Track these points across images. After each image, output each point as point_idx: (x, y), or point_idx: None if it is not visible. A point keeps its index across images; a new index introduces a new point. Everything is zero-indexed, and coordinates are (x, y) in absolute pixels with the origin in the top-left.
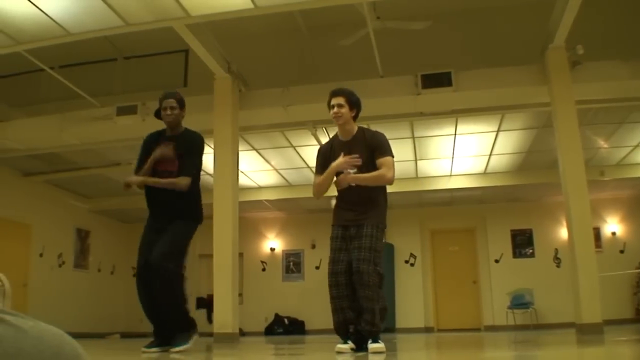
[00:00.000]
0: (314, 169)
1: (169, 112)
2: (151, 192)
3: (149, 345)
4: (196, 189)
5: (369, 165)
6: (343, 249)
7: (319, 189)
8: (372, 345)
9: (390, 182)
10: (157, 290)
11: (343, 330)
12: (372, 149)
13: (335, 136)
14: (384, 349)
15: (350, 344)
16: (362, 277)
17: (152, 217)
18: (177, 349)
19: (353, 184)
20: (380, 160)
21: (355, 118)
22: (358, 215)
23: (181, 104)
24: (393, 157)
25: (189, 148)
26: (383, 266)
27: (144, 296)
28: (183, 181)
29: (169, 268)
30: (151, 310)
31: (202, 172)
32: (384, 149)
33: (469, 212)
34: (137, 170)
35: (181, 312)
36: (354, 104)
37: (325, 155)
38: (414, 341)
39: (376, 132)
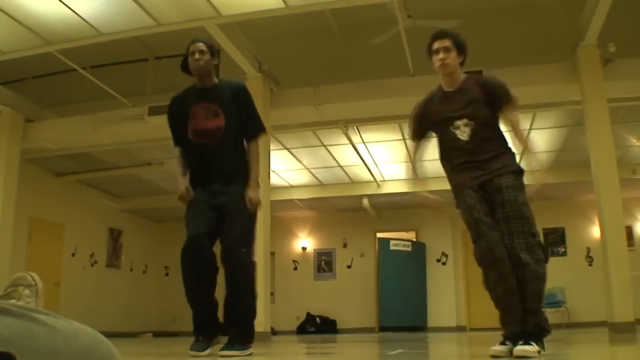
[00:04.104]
0: (344, 168)
1: (197, 56)
2: (196, 157)
3: (198, 348)
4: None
5: (487, 114)
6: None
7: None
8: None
9: (526, 137)
10: (231, 281)
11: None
12: (493, 98)
13: (436, 90)
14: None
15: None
16: None
17: (201, 187)
18: (232, 352)
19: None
20: (515, 114)
21: (462, 65)
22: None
23: (212, 51)
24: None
25: (237, 96)
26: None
27: (196, 278)
28: (257, 148)
29: (244, 255)
30: (202, 296)
31: None
32: (510, 95)
33: None
34: (174, 138)
35: (253, 308)
36: (462, 47)
37: (423, 112)
38: (447, 339)
39: (494, 77)
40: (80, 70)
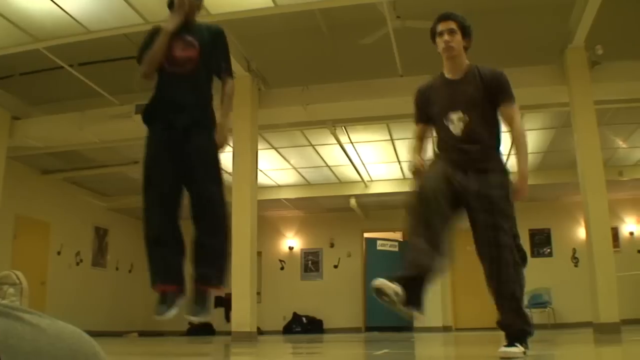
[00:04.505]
0: (332, 168)
1: None
2: (166, 90)
3: (168, 307)
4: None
5: (485, 110)
6: None
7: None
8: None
9: (525, 138)
10: (206, 227)
11: None
12: (492, 92)
13: (438, 76)
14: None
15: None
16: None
17: (163, 128)
18: (197, 318)
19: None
20: (509, 112)
21: (466, 50)
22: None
23: None
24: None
25: (215, 39)
26: None
27: (170, 226)
28: (232, 86)
29: (220, 197)
30: (176, 243)
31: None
32: (509, 94)
33: None
34: (140, 61)
35: (227, 256)
36: (468, 31)
37: (424, 98)
38: (433, 340)
39: (495, 70)
40: (68, 67)
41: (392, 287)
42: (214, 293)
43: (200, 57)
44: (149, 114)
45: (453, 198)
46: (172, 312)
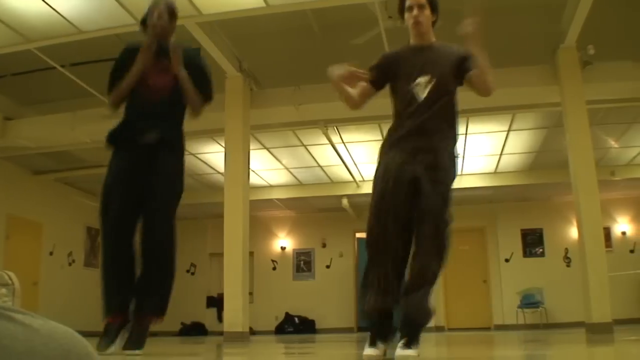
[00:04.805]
0: (324, 168)
1: (155, 17)
2: (136, 115)
3: (109, 342)
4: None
5: (449, 81)
6: None
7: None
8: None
9: (493, 89)
10: (153, 249)
11: None
12: (459, 61)
13: (403, 47)
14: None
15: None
16: None
17: (128, 149)
18: (135, 352)
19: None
20: (475, 71)
21: (434, 24)
22: None
23: (172, 14)
24: None
25: (195, 66)
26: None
27: (123, 254)
28: (201, 101)
29: (172, 224)
30: (127, 273)
31: (212, 170)
32: (476, 59)
33: (479, 211)
34: (111, 88)
35: (170, 287)
36: (436, 5)
37: (387, 63)
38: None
39: (465, 48)
40: (60, 68)
41: (376, 354)
42: (152, 324)
43: (175, 82)
44: (115, 137)
45: (410, 196)
46: (113, 348)
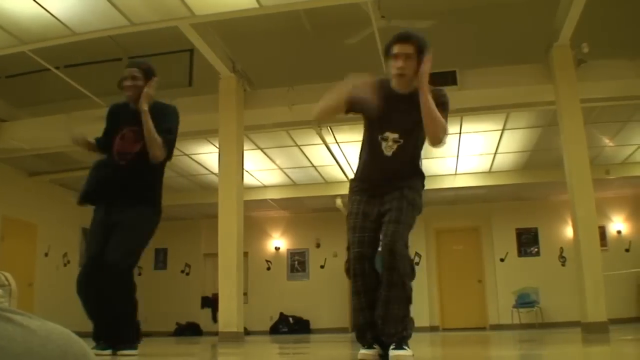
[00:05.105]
0: (318, 168)
1: (129, 82)
2: (107, 170)
3: (101, 347)
4: (161, 172)
5: (420, 132)
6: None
7: (325, 106)
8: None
9: (445, 133)
10: (109, 294)
11: None
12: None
13: (387, 82)
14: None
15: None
16: None
17: (102, 207)
18: (125, 352)
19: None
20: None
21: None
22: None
23: (147, 75)
24: None
25: (161, 116)
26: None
27: (90, 296)
28: (160, 144)
29: (126, 269)
30: (96, 311)
31: (206, 171)
32: (447, 109)
33: (474, 210)
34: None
35: (131, 320)
36: (426, 51)
37: (364, 99)
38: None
39: (439, 89)
40: (54, 70)
41: (372, 353)
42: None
43: (142, 149)
44: (87, 197)
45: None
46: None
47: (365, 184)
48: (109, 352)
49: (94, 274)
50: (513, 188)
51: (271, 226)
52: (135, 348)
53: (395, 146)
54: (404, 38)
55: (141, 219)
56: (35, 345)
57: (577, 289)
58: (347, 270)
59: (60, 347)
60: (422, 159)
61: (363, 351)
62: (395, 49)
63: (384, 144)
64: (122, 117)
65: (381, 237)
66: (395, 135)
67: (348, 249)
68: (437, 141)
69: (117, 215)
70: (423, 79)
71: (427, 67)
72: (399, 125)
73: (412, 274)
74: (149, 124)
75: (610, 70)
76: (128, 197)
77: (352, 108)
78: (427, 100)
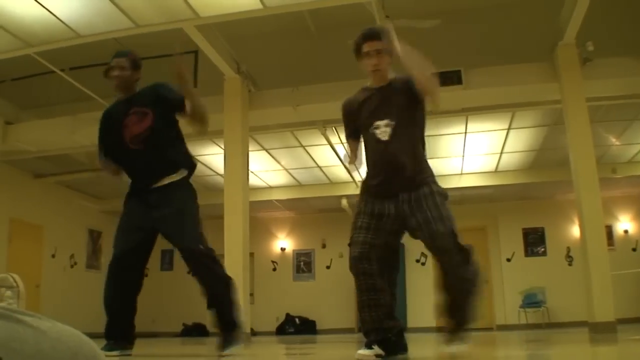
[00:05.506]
0: (323, 169)
1: (116, 72)
2: (138, 159)
3: (111, 348)
4: (177, 131)
5: (406, 116)
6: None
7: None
8: None
9: (437, 85)
10: (204, 282)
11: None
12: (411, 91)
13: (362, 89)
14: None
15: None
16: None
17: (134, 198)
18: (227, 352)
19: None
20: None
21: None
22: None
23: (135, 65)
24: None
25: (166, 91)
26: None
27: (118, 293)
28: (206, 109)
29: (207, 252)
30: (121, 308)
31: (212, 172)
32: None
33: (480, 210)
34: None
35: (232, 300)
36: (388, 43)
37: (352, 113)
38: (427, 341)
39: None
40: (59, 72)
41: (369, 354)
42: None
43: (155, 118)
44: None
45: (389, 238)
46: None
47: (376, 180)
48: (116, 352)
49: (119, 273)
50: (519, 188)
51: (277, 227)
52: (237, 342)
53: (388, 129)
54: (371, 36)
55: (182, 205)
56: (46, 346)
57: (584, 288)
58: (351, 268)
59: (71, 348)
60: (426, 153)
61: (361, 351)
62: (366, 48)
63: (377, 132)
64: (119, 112)
65: (427, 238)
66: (385, 121)
67: (349, 245)
68: (429, 87)
69: (156, 212)
70: (403, 49)
71: (396, 43)
72: (384, 113)
73: (474, 270)
74: (195, 99)
75: (616, 68)
76: (159, 175)
77: (356, 132)
78: (410, 55)
